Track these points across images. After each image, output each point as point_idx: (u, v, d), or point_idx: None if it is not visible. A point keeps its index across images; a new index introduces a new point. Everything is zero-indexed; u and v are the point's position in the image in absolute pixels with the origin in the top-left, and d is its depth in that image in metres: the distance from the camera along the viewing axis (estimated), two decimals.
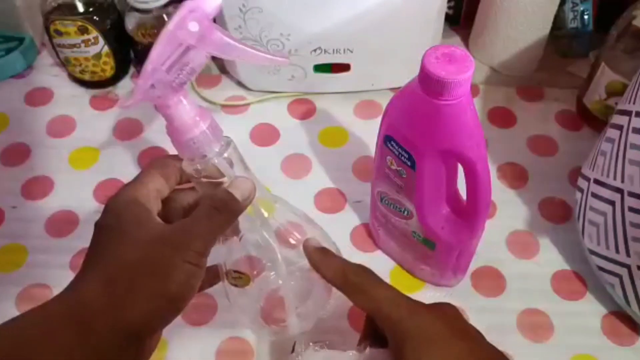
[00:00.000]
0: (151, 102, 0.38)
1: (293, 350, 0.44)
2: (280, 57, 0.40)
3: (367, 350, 0.42)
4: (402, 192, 0.50)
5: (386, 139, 0.48)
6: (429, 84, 0.41)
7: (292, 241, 0.46)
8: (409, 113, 0.45)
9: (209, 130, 0.39)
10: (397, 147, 0.47)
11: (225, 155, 0.40)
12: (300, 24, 0.64)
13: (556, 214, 0.63)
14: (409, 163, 0.47)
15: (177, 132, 0.39)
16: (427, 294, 0.57)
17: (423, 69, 0.40)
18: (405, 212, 0.52)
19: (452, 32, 0.80)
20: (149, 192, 0.39)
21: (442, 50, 0.41)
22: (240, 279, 0.44)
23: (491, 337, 0.54)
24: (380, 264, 0.59)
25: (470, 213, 0.49)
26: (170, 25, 0.36)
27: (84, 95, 0.73)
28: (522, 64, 0.74)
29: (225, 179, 0.40)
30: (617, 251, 0.52)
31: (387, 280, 0.57)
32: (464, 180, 0.47)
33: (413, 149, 0.46)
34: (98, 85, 0.73)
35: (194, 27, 0.36)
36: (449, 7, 0.76)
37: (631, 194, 0.49)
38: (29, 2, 0.74)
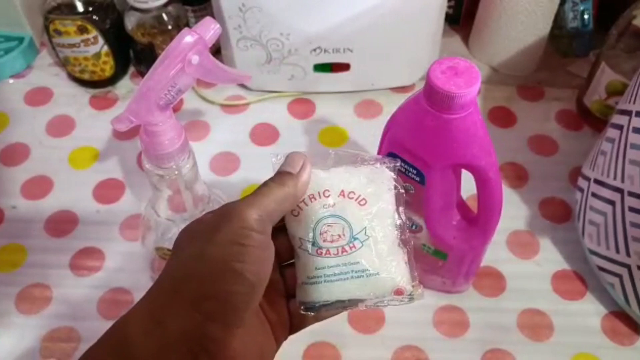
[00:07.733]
0: (140, 122, 0.41)
1: None
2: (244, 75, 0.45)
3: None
4: (410, 207, 0.49)
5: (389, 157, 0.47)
6: (437, 99, 0.40)
7: None
8: (415, 129, 0.44)
9: (183, 143, 0.44)
10: (403, 164, 0.46)
11: (189, 165, 0.46)
12: (300, 24, 0.64)
13: (556, 213, 0.63)
14: (417, 179, 0.46)
15: (159, 145, 0.43)
16: (424, 294, 0.57)
17: (430, 85, 0.40)
18: (414, 227, 0.51)
19: (452, 32, 0.80)
20: None
21: (446, 64, 0.40)
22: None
23: (491, 337, 0.55)
24: None
25: (482, 219, 0.48)
26: (173, 55, 0.39)
27: (83, 95, 0.73)
28: (522, 63, 0.74)
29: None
30: (617, 251, 0.52)
31: None
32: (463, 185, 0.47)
33: (422, 164, 0.45)
34: (98, 84, 0.73)
35: (195, 60, 0.39)
36: (449, 7, 0.76)
37: (631, 194, 0.49)
38: (28, 1, 0.74)
